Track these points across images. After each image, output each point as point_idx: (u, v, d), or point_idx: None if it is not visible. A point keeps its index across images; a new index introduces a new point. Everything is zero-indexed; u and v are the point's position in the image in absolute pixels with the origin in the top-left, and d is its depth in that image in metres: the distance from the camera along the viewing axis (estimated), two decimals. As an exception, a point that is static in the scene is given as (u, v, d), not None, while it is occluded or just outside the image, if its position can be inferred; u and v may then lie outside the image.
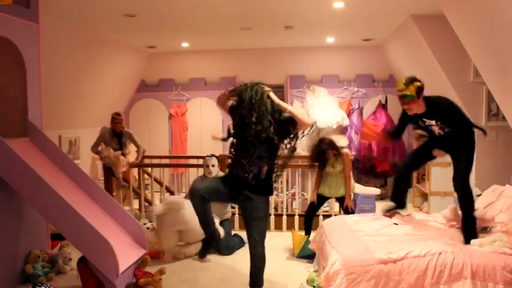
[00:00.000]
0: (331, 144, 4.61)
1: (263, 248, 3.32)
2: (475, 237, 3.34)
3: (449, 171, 5.91)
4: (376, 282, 2.94)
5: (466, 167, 3.55)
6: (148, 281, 3.68)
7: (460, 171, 3.56)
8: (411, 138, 7.31)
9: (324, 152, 4.57)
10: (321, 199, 4.82)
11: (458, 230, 3.62)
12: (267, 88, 3.18)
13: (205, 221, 3.32)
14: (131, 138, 5.90)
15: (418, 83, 3.36)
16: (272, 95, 3.20)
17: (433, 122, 3.49)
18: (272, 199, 5.83)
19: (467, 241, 3.31)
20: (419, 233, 3.59)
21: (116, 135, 5.79)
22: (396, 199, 3.99)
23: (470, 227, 3.43)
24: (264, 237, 3.31)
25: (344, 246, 3.30)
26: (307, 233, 4.69)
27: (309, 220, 4.80)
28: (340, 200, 4.78)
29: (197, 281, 4.01)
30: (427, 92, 3.50)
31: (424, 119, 3.51)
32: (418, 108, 3.44)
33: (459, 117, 3.49)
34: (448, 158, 6.15)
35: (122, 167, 5.65)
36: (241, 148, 3.17)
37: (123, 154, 5.74)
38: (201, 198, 3.20)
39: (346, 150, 4.90)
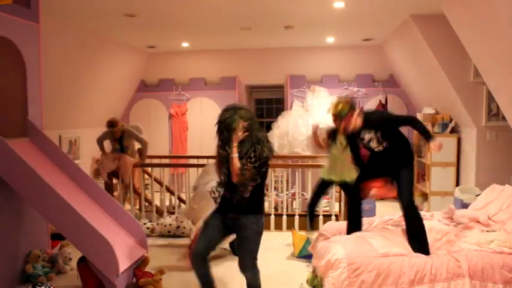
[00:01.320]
0: None
1: (252, 271, 3.08)
2: (427, 253, 3.20)
3: (449, 171, 6.01)
4: (377, 274, 2.96)
5: (409, 181, 3.47)
6: (148, 281, 3.68)
7: (404, 188, 3.46)
8: (411, 134, 7.30)
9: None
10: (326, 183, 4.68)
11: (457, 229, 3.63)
12: (239, 124, 2.88)
13: (208, 282, 3.22)
14: (132, 135, 5.69)
15: (346, 99, 3.43)
16: (236, 136, 2.88)
17: (372, 135, 3.43)
18: (272, 201, 5.83)
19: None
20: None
21: (116, 138, 5.73)
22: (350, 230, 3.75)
23: (419, 241, 3.28)
24: (252, 258, 3.05)
25: (346, 241, 3.32)
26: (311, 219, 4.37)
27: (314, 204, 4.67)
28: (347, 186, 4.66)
29: (197, 281, 4.00)
30: (426, 93, 3.50)
31: (363, 133, 3.45)
32: (355, 122, 3.39)
33: (396, 125, 3.50)
34: (448, 158, 6.16)
35: (129, 169, 5.56)
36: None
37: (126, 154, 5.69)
38: (203, 259, 3.11)
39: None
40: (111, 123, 5.59)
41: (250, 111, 3.05)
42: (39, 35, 4.17)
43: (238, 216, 3.00)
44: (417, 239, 3.30)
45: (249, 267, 3.06)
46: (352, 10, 5.16)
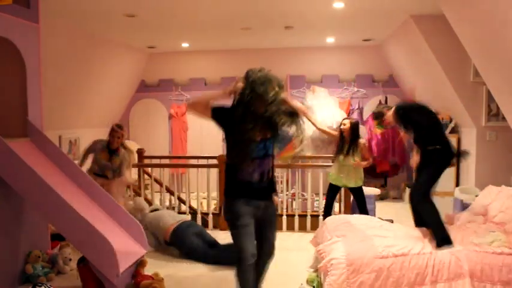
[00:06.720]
0: (355, 125, 4.72)
1: None
2: (449, 242, 3.17)
3: (449, 172, 5.99)
4: (376, 275, 2.96)
5: (428, 174, 3.42)
6: (150, 282, 3.63)
7: (421, 176, 3.48)
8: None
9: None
10: (335, 188, 4.82)
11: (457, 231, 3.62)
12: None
13: None
14: (125, 161, 4.83)
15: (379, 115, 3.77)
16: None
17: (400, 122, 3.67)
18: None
19: (438, 246, 3.14)
20: (419, 232, 3.60)
21: (109, 150, 4.75)
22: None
23: (439, 233, 3.24)
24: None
25: (346, 241, 3.32)
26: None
27: (329, 209, 4.79)
28: (354, 190, 4.77)
29: (198, 281, 4.01)
30: (426, 93, 3.51)
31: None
32: (390, 121, 3.70)
33: (417, 119, 3.57)
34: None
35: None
36: (243, 149, 2.72)
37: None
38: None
39: (363, 140, 4.81)
40: (118, 125, 4.80)
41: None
42: (39, 35, 4.16)
43: (268, 203, 2.84)
44: (433, 232, 3.28)
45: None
46: (352, 10, 5.17)
